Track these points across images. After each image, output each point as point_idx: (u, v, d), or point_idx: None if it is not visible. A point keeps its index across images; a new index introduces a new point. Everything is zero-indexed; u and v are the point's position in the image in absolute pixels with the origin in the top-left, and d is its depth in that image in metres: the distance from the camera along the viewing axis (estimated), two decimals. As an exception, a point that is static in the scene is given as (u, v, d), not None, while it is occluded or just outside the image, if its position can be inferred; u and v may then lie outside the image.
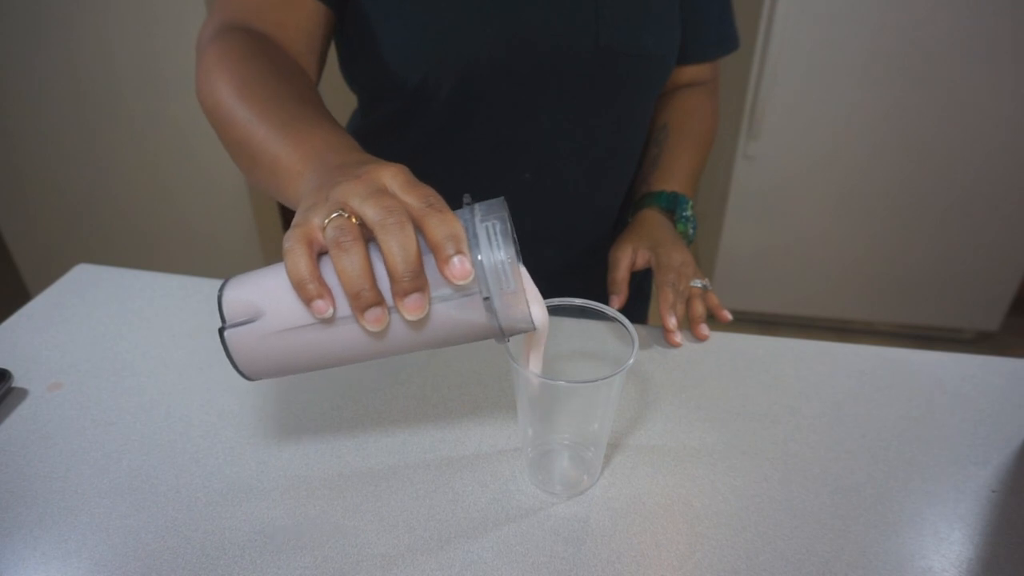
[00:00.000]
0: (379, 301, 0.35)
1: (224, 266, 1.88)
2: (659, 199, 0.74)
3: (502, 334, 0.38)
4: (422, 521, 0.47)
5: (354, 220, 0.35)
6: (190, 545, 0.45)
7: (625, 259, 0.69)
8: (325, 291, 0.35)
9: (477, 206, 0.38)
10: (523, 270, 0.39)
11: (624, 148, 0.75)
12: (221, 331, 0.38)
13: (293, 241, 0.36)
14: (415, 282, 0.35)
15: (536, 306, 0.39)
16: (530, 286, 0.40)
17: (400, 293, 0.35)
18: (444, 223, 0.35)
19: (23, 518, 0.47)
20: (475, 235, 0.36)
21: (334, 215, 0.35)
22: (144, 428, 0.55)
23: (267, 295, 0.38)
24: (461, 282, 0.35)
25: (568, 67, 0.64)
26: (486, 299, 0.36)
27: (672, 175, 0.76)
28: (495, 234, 0.36)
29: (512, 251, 0.36)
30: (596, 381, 0.42)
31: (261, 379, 0.40)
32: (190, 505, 0.48)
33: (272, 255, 1.92)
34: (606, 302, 0.68)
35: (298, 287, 0.35)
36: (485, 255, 0.36)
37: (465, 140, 0.68)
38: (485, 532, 0.46)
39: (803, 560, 0.45)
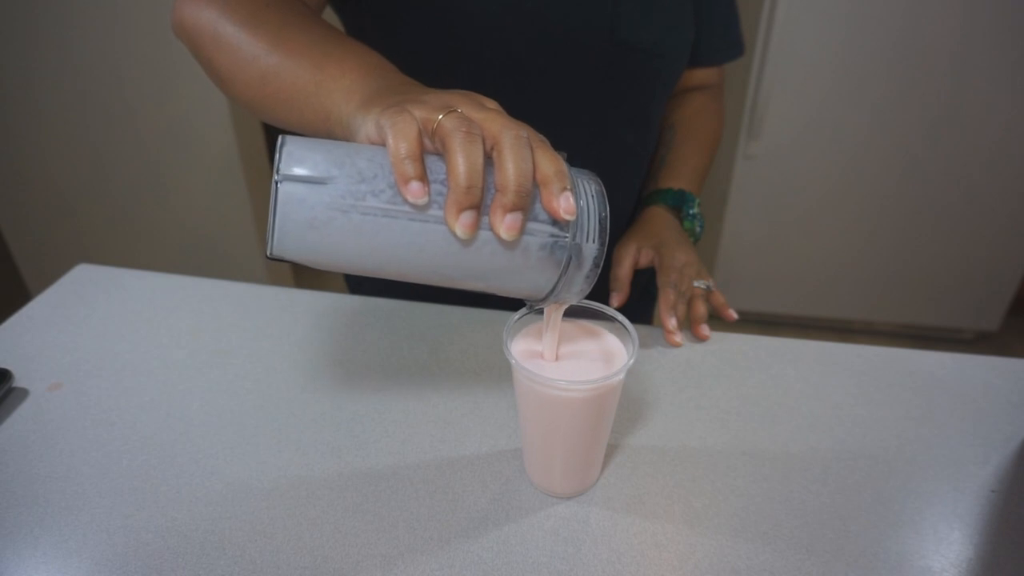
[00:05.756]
0: (479, 205, 0.33)
1: (224, 266, 1.88)
2: (666, 196, 0.74)
3: (552, 294, 0.38)
4: (422, 521, 0.47)
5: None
6: (190, 545, 0.45)
7: (628, 257, 0.69)
8: (425, 176, 0.33)
9: (573, 166, 0.38)
10: None
11: (636, 147, 0.75)
12: (276, 182, 0.32)
13: (403, 114, 0.33)
14: (523, 200, 0.34)
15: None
16: None
17: (504, 207, 0.33)
18: (556, 160, 0.35)
19: (24, 518, 0.47)
20: (579, 190, 0.37)
21: (449, 111, 0.34)
22: (144, 428, 0.55)
23: (346, 162, 0.33)
24: (568, 217, 0.35)
25: (584, 60, 0.64)
26: (575, 244, 0.37)
27: (679, 173, 0.76)
28: (591, 191, 0.37)
29: (607, 210, 0.37)
30: (596, 381, 0.42)
31: (286, 258, 0.35)
32: (190, 505, 0.48)
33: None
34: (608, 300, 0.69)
35: (398, 163, 0.32)
36: (583, 210, 0.36)
37: None
38: (485, 532, 0.46)
39: (803, 560, 0.45)
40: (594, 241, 0.37)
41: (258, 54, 0.44)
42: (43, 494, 0.49)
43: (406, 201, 0.33)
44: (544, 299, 0.39)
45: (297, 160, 0.33)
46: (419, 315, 0.69)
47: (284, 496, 0.49)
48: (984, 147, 1.72)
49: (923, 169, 1.78)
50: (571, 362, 0.46)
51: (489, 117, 0.35)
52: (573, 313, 0.48)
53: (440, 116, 0.34)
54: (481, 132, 0.34)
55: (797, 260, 1.98)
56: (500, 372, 0.61)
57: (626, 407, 0.58)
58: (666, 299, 0.65)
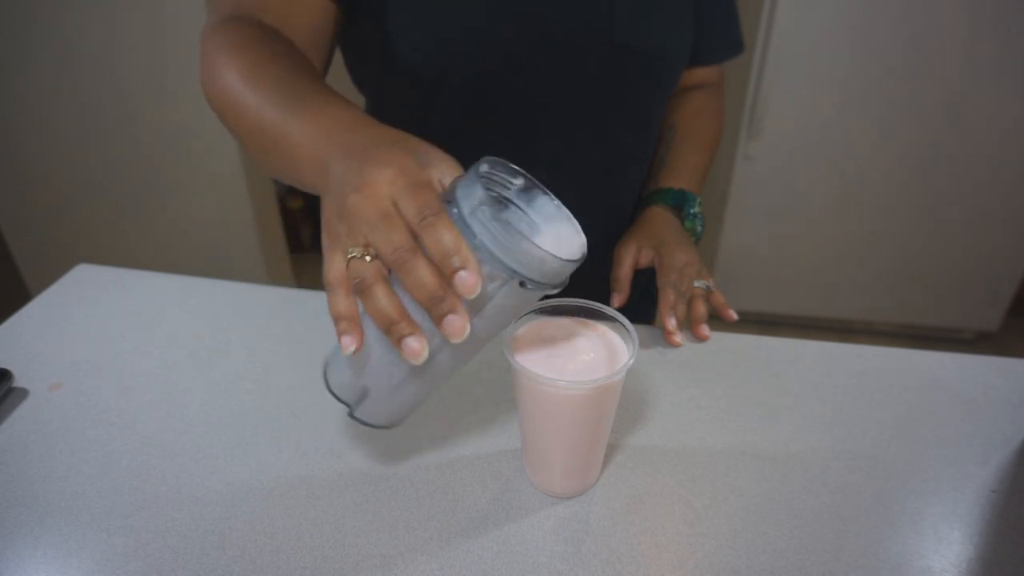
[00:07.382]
0: (414, 330, 0.36)
1: (224, 265, 1.88)
2: (666, 196, 0.74)
3: (558, 287, 0.39)
4: (422, 521, 0.47)
5: (368, 258, 0.37)
6: (190, 545, 0.45)
7: (629, 257, 0.69)
8: (355, 328, 0.39)
9: (458, 195, 0.36)
10: (551, 201, 0.41)
11: (637, 148, 0.75)
12: (351, 415, 0.42)
13: (331, 286, 0.39)
14: (446, 305, 0.35)
15: (577, 236, 0.40)
16: (558, 223, 0.40)
17: (437, 320, 0.35)
18: (439, 240, 0.35)
19: (24, 518, 0.47)
20: (474, 233, 0.35)
21: (352, 256, 0.37)
22: (144, 428, 0.55)
23: (364, 371, 0.41)
24: (471, 296, 0.34)
25: (583, 64, 0.64)
26: (521, 284, 0.36)
27: (679, 173, 0.76)
28: (488, 223, 0.35)
29: (516, 236, 0.34)
30: (596, 381, 0.42)
31: (401, 423, 0.46)
32: (190, 505, 0.48)
33: (270, 255, 1.92)
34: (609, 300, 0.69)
35: (335, 323, 0.39)
36: (496, 248, 0.35)
37: (479, 139, 0.68)
38: (485, 532, 0.46)
39: (803, 560, 0.45)
40: (519, 269, 0.35)
41: (258, 121, 0.47)
42: (43, 494, 0.49)
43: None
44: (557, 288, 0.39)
45: (345, 390, 0.42)
46: (419, 315, 0.69)
47: (284, 496, 0.49)
48: (984, 147, 1.72)
49: (923, 169, 1.78)
50: (571, 360, 0.46)
51: (377, 238, 0.36)
52: (574, 312, 0.48)
53: (348, 261, 0.37)
54: (380, 263, 0.37)
55: (797, 260, 1.98)
56: (500, 372, 0.61)
57: (626, 407, 0.58)
58: (666, 299, 0.65)
